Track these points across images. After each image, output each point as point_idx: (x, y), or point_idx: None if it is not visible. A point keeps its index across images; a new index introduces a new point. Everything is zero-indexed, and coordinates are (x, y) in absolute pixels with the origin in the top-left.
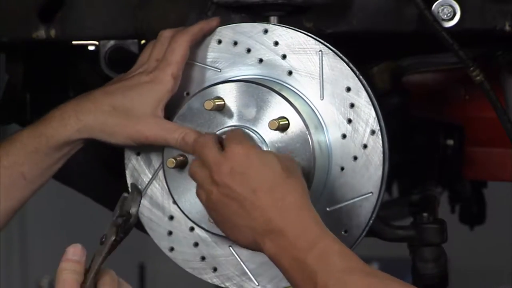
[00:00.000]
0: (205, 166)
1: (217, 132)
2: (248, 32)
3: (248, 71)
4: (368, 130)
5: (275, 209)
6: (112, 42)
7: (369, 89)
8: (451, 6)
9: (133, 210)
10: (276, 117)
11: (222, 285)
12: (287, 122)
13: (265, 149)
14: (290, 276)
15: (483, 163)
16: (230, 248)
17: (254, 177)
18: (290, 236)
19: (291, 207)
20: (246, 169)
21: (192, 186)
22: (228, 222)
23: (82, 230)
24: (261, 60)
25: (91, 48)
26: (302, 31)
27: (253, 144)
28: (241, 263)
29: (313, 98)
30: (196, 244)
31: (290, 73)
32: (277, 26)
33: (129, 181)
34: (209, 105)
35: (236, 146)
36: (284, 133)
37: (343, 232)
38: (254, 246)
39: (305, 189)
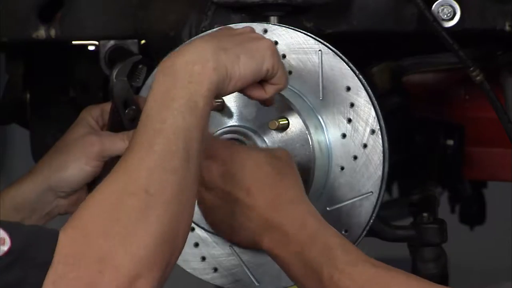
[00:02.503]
0: None
1: (217, 132)
2: None
3: None
4: (368, 130)
5: (271, 207)
6: (112, 42)
7: (368, 88)
8: (451, 6)
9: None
10: (276, 117)
11: (222, 286)
12: (287, 122)
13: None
14: (292, 272)
15: (483, 163)
16: (231, 248)
17: (245, 178)
18: (290, 231)
19: (287, 203)
20: (236, 170)
21: None
22: (224, 224)
23: None
24: None
25: (91, 48)
26: (301, 31)
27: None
28: (242, 263)
29: (313, 97)
30: (196, 245)
31: (289, 72)
32: (276, 26)
33: None
34: None
35: (223, 149)
36: (284, 133)
37: (343, 232)
38: (254, 246)
39: (299, 182)
